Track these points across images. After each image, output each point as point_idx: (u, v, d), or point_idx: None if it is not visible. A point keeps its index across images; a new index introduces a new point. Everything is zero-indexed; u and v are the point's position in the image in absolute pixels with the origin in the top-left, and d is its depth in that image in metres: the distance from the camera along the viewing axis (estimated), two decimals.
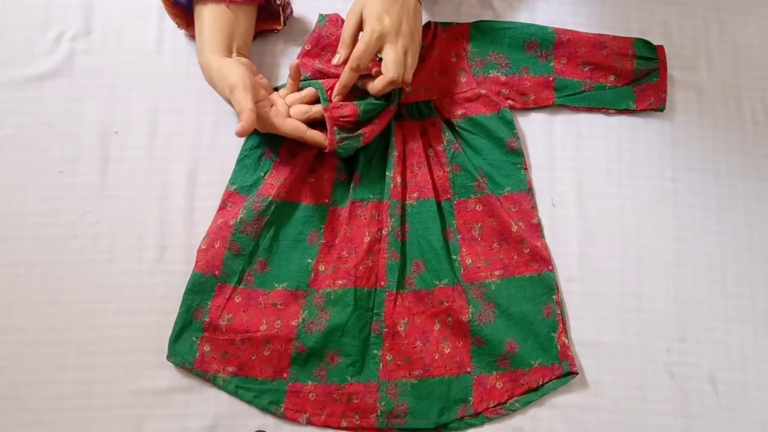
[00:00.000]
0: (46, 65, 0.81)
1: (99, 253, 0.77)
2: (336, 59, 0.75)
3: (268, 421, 0.74)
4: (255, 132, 0.79)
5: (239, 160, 0.80)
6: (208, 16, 0.75)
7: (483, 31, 0.84)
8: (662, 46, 0.84)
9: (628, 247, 0.80)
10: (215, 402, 0.74)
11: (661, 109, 0.84)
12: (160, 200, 0.79)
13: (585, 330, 0.77)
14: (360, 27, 0.74)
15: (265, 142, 0.80)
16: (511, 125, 0.81)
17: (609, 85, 0.83)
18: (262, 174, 0.79)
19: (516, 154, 0.81)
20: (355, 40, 0.74)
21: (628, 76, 0.83)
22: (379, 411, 0.74)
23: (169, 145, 0.81)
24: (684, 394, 0.76)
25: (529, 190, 0.80)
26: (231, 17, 0.76)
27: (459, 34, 0.84)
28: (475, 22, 0.84)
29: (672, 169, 0.83)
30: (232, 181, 0.79)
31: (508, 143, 0.80)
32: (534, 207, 0.80)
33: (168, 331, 0.74)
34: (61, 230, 0.77)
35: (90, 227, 0.78)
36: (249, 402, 0.73)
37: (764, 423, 0.76)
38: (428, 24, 0.84)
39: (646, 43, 0.84)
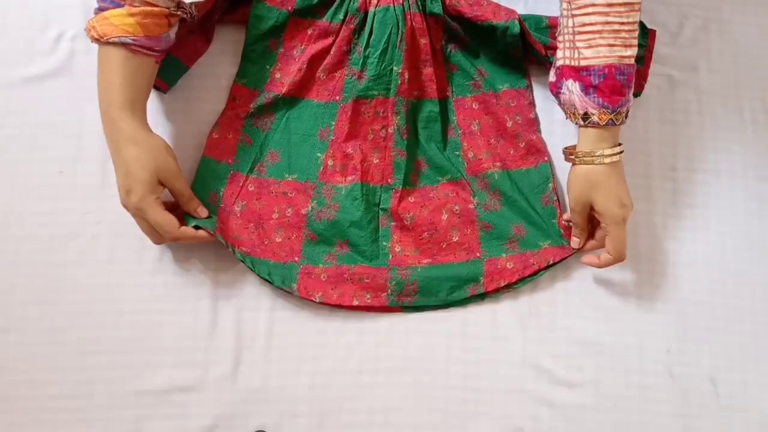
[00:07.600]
0: (46, 65, 0.81)
1: (99, 253, 0.77)
2: (574, 244, 0.76)
3: (269, 421, 0.74)
4: (255, 28, 0.80)
5: (244, 56, 0.81)
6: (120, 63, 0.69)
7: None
8: (654, 30, 0.82)
9: (627, 248, 0.80)
10: (215, 402, 0.74)
11: (637, 95, 0.82)
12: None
13: (585, 330, 0.77)
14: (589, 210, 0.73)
15: (267, 35, 0.80)
16: (516, 38, 0.79)
17: None
18: (268, 66, 0.80)
19: (518, 59, 0.81)
20: (588, 223, 0.75)
21: None
22: (389, 290, 0.75)
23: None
24: (684, 394, 0.76)
25: (528, 87, 0.81)
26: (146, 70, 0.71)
27: None
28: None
29: (672, 169, 0.83)
30: (239, 76, 0.80)
31: (511, 51, 0.80)
32: (532, 103, 0.81)
33: (168, 332, 0.74)
34: (61, 230, 0.77)
35: (90, 227, 0.78)
36: (264, 278, 0.74)
37: (764, 423, 0.76)
38: None
39: (642, 27, 0.82)
